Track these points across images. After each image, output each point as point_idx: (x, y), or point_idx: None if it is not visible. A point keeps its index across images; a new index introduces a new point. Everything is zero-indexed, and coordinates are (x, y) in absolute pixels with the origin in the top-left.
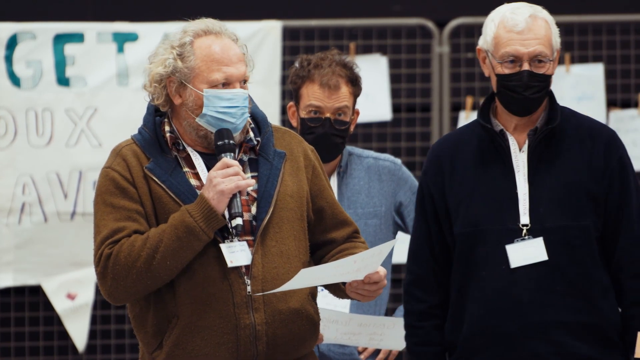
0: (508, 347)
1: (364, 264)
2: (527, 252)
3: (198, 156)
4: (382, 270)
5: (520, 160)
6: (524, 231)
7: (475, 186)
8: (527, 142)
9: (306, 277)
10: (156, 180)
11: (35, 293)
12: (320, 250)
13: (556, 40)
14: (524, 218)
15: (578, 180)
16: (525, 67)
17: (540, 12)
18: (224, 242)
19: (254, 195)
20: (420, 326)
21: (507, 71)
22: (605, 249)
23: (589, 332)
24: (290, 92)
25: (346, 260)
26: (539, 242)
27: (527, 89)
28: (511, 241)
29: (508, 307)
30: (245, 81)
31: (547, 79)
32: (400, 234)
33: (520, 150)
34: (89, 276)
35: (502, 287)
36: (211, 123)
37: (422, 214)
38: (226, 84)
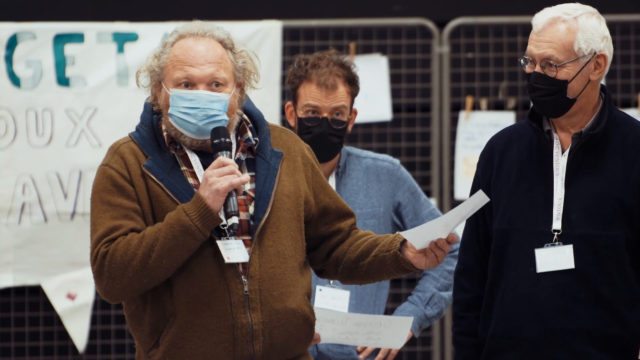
0: (529, 351)
1: (457, 219)
2: (554, 258)
3: (195, 155)
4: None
5: (560, 164)
6: (555, 237)
7: (516, 184)
8: (570, 145)
9: (433, 228)
10: (154, 178)
11: (35, 293)
12: (328, 241)
13: (581, 46)
14: (556, 223)
15: (613, 189)
16: (537, 69)
17: (573, 15)
18: (219, 240)
19: (252, 194)
20: (464, 316)
21: (527, 70)
22: (638, 261)
23: (611, 343)
24: (290, 92)
25: (452, 212)
26: (568, 249)
27: (533, 91)
28: (541, 245)
29: (531, 311)
30: (218, 84)
31: (556, 83)
32: None
33: (563, 153)
34: (88, 276)
35: (527, 290)
36: (177, 123)
37: None
38: (189, 84)
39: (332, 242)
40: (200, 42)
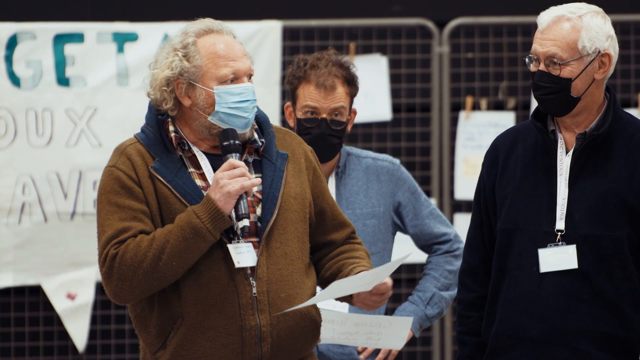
0: (531, 350)
1: (376, 277)
2: (558, 258)
3: (204, 156)
4: (389, 281)
5: (564, 164)
6: (558, 237)
7: (521, 183)
8: (574, 145)
9: (332, 291)
10: (162, 180)
11: (35, 293)
12: (319, 252)
13: (585, 44)
14: (560, 223)
15: (616, 190)
16: (541, 67)
17: (577, 13)
18: (230, 243)
19: (259, 196)
20: (467, 316)
21: (532, 68)
22: None
23: (613, 343)
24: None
25: (364, 274)
26: (572, 249)
27: (536, 89)
28: (544, 245)
29: (533, 311)
30: (250, 76)
31: (560, 81)
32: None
33: (567, 153)
34: (89, 276)
35: (530, 290)
36: (224, 120)
37: (477, 203)
38: (234, 78)
39: (321, 253)
40: (225, 37)
